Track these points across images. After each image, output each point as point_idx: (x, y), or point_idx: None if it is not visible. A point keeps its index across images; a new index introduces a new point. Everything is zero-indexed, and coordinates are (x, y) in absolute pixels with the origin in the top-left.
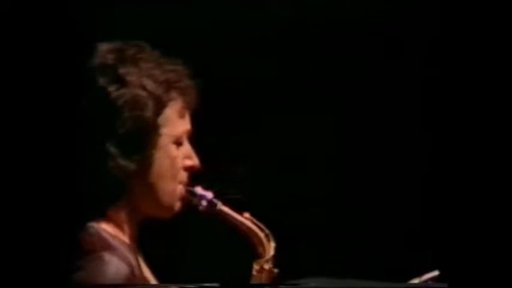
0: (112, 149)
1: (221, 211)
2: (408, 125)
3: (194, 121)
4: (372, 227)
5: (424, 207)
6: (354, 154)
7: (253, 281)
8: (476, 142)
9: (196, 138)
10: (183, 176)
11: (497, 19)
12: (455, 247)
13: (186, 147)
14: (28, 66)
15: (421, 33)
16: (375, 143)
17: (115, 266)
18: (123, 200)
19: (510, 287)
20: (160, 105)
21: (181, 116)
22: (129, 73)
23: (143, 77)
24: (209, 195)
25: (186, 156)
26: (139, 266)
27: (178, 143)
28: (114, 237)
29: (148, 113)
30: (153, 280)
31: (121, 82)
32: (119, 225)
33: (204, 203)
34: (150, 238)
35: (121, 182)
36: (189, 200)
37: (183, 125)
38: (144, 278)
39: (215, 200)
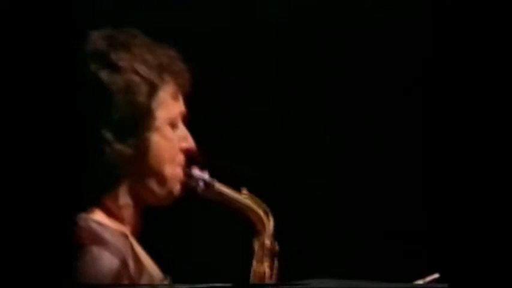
0: (108, 135)
1: (218, 190)
2: (408, 125)
3: (192, 121)
4: (372, 227)
5: (424, 207)
6: (354, 154)
7: (255, 258)
8: (475, 142)
9: (196, 139)
10: (181, 158)
11: (497, 19)
12: (455, 247)
13: (182, 130)
14: (22, 55)
15: (420, 33)
16: (374, 143)
17: (104, 260)
18: (121, 187)
19: (510, 287)
20: (153, 89)
21: (175, 98)
22: (122, 58)
23: (135, 62)
24: (206, 175)
25: (182, 138)
26: (135, 255)
27: (173, 125)
28: (107, 227)
29: (142, 97)
30: (154, 268)
31: (113, 68)
32: (116, 213)
33: (201, 184)
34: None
35: (118, 168)
36: (187, 183)
37: (177, 107)
38: (141, 268)
39: (211, 180)
